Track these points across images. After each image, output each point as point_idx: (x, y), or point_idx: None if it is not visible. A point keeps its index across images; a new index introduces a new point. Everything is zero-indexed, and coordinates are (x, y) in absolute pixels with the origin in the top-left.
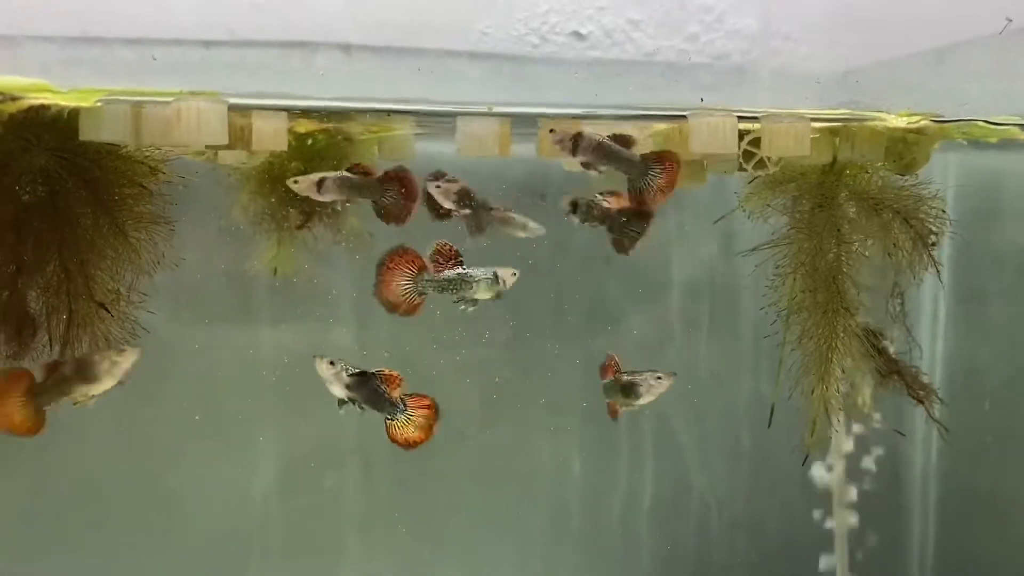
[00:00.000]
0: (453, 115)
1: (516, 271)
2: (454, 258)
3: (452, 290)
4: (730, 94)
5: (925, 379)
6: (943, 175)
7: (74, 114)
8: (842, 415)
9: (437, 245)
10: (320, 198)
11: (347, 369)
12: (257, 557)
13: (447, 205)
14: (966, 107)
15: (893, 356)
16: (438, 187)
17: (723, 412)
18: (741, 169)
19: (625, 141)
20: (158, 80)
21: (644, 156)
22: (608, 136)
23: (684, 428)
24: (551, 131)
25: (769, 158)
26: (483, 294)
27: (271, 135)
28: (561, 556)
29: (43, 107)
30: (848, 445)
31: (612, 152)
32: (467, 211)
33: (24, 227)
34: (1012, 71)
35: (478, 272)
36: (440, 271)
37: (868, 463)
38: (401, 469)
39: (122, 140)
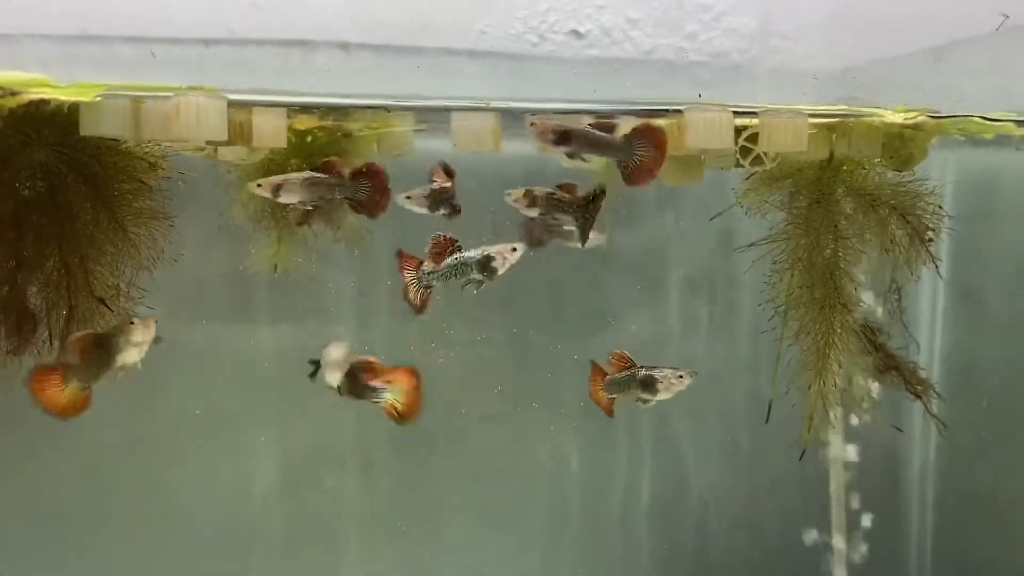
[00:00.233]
0: (450, 110)
1: (517, 246)
2: (451, 247)
3: (454, 276)
4: (728, 92)
5: (923, 374)
6: (942, 172)
7: (74, 109)
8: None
9: (433, 239)
10: (287, 200)
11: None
12: (257, 556)
13: (421, 209)
14: (962, 103)
15: (891, 351)
16: (408, 198)
17: (722, 410)
18: (738, 165)
19: (606, 127)
20: (157, 77)
21: (627, 136)
22: (588, 123)
23: (683, 426)
24: (531, 124)
25: (766, 154)
26: (482, 274)
27: (271, 132)
28: (560, 555)
29: (43, 102)
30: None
31: (594, 139)
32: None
33: (24, 222)
34: (1009, 68)
35: (473, 254)
36: (440, 262)
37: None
38: (401, 468)
39: (122, 135)
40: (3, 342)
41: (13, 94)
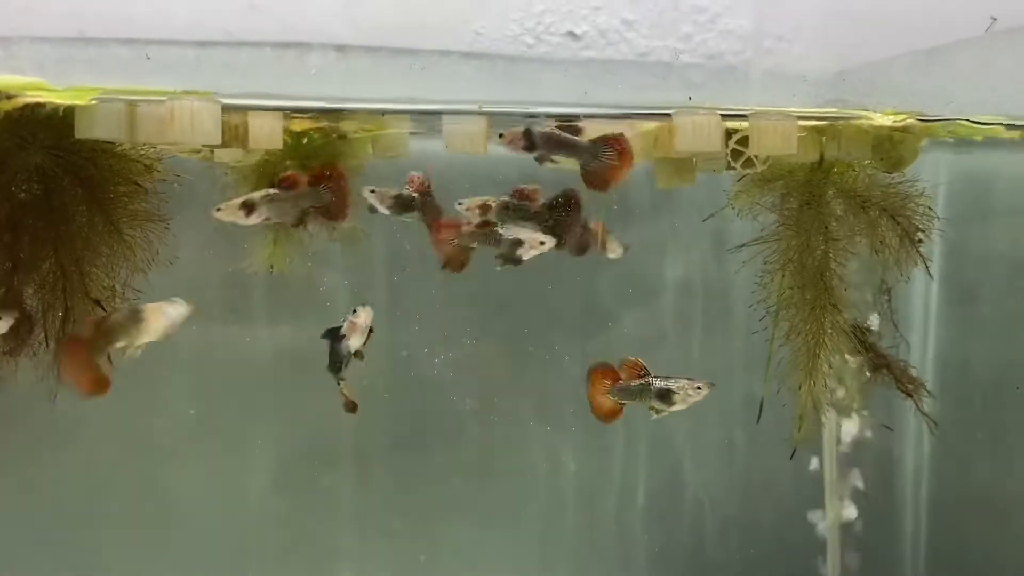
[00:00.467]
0: (443, 114)
1: (545, 239)
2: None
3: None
4: (723, 93)
5: (913, 372)
6: (935, 172)
7: (69, 112)
8: (831, 411)
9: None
10: (250, 222)
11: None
12: (252, 556)
13: (382, 208)
14: (952, 105)
15: (881, 351)
16: (373, 191)
17: (717, 410)
18: (729, 168)
19: (573, 129)
20: (153, 79)
21: (593, 140)
22: (555, 126)
23: (678, 425)
24: (500, 135)
25: (757, 156)
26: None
27: (267, 134)
28: (556, 554)
29: (38, 105)
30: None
31: (562, 141)
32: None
33: (20, 224)
34: (1000, 71)
35: (507, 232)
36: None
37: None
38: (397, 467)
39: (117, 138)
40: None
41: (9, 97)
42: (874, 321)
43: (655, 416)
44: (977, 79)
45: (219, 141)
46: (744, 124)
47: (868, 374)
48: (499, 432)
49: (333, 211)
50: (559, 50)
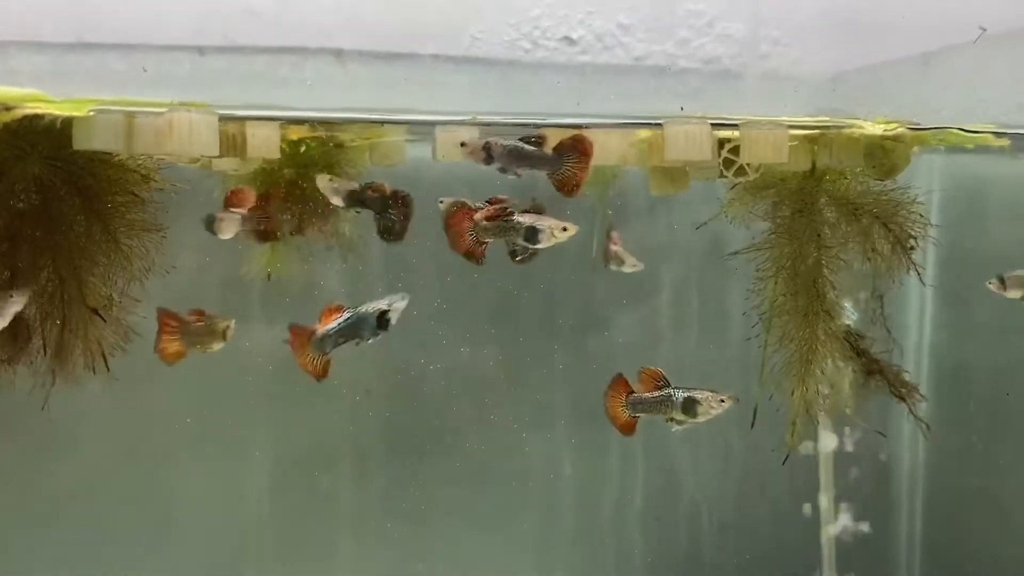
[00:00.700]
0: (438, 124)
1: (568, 226)
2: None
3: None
4: (719, 98)
5: (906, 377)
6: (929, 176)
7: (67, 123)
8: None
9: (492, 199)
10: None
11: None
12: (250, 558)
13: (336, 202)
14: (944, 112)
15: (875, 356)
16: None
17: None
18: (722, 176)
19: (537, 141)
20: (152, 88)
21: (556, 148)
22: (519, 138)
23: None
24: (462, 144)
25: (749, 165)
26: (527, 242)
27: (264, 142)
28: (553, 557)
29: (37, 116)
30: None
31: (524, 153)
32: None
33: (18, 234)
34: (994, 77)
35: (523, 220)
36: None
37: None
38: (394, 470)
39: (115, 149)
40: None
41: (8, 109)
42: (860, 322)
43: (676, 429)
44: (969, 86)
45: (217, 152)
46: (734, 133)
47: (862, 379)
48: (492, 436)
49: (266, 234)
50: (556, 55)
